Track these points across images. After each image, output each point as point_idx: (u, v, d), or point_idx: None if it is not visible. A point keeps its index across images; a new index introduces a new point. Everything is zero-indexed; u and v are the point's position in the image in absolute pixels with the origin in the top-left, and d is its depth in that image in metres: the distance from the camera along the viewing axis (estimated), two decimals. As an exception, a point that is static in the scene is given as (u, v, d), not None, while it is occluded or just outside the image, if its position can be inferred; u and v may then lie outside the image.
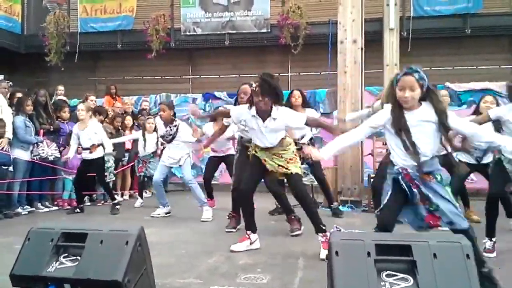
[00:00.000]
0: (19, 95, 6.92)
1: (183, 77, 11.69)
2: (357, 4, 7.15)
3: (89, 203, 7.72)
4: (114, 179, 8.07)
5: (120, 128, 8.24)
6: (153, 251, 2.68)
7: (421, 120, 2.86)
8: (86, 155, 6.59)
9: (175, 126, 6.15)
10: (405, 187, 2.92)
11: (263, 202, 5.35)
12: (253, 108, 3.94)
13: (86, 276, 2.29)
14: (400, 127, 2.88)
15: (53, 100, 8.22)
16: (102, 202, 7.86)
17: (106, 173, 7.38)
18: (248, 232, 4.18)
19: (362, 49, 7.16)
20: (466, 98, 8.83)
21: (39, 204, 6.98)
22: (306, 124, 4.07)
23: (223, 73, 11.40)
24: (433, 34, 10.02)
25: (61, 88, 9.13)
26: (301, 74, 11.02)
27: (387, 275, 2.11)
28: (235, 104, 5.05)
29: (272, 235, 4.79)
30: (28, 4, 11.90)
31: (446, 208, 2.84)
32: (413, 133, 2.86)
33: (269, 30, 10.60)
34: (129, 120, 8.54)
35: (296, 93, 5.92)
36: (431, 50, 10.10)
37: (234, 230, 5.10)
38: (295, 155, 4.09)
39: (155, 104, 10.33)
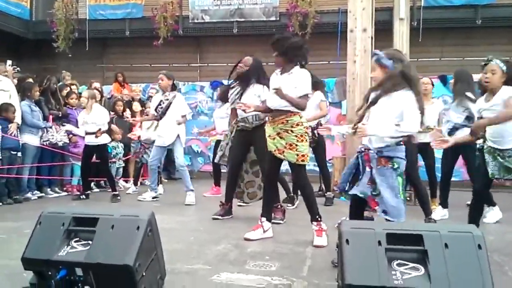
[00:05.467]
0: (30, 81, 6.92)
1: (191, 65, 11.66)
2: (368, -8, 7.09)
3: (98, 190, 7.76)
4: (123, 165, 8.11)
5: (122, 114, 8.13)
6: (162, 237, 2.68)
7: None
8: (90, 139, 6.54)
9: (173, 96, 6.11)
10: (360, 163, 3.10)
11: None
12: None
13: (97, 261, 2.31)
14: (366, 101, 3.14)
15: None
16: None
17: (115, 160, 7.37)
18: (262, 219, 4.13)
19: (372, 38, 7.10)
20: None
21: (49, 189, 7.03)
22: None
23: (231, 61, 11.23)
24: (443, 24, 9.91)
25: (68, 74, 9.12)
26: (309, 63, 10.93)
27: (398, 264, 2.12)
28: (232, 71, 5.19)
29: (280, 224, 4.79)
30: (37, -10, 11.89)
31: (386, 197, 2.93)
32: (372, 109, 3.07)
33: (277, 18, 10.54)
34: (136, 106, 8.54)
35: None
36: (441, 40, 9.98)
37: (220, 217, 5.06)
38: (297, 141, 3.90)
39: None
